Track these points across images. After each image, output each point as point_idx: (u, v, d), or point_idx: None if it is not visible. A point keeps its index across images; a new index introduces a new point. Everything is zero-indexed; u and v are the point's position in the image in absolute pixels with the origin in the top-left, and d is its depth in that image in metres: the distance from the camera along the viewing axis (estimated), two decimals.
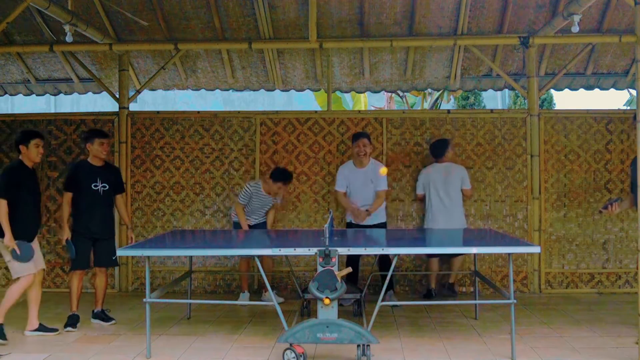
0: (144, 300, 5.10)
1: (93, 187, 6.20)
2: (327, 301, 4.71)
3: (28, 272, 5.62)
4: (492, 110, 8.17)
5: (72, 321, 6.03)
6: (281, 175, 7.06)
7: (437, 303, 6.94)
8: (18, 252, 5.46)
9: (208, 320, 6.35)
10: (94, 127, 7.81)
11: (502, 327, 5.95)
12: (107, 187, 6.31)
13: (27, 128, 6.54)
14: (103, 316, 6.30)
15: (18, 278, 5.61)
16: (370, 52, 8.36)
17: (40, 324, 5.78)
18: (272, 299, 5.00)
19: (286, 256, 6.82)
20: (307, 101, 17.78)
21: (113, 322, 6.27)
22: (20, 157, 5.71)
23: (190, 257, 6.86)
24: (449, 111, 8.13)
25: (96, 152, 6.25)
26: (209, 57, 8.59)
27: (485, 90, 9.36)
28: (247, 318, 6.47)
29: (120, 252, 5.78)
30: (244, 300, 7.11)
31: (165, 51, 8.31)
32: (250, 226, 7.13)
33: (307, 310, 6.49)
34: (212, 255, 7.86)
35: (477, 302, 6.42)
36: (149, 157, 8.06)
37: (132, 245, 6.01)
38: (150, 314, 5.11)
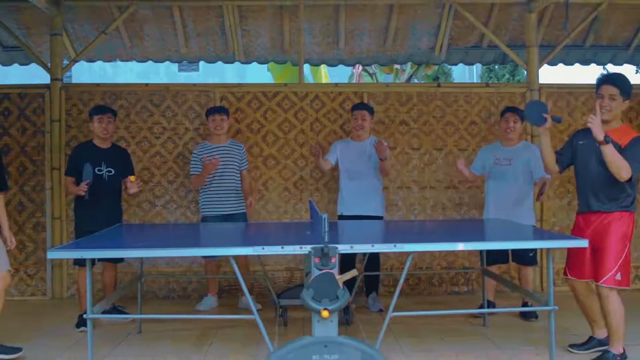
0: (85, 316, 3.95)
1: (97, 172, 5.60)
2: (325, 313, 3.66)
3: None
4: (487, 84, 7.43)
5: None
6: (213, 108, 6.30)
7: (444, 313, 6.03)
8: None
9: (163, 335, 5.18)
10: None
11: (514, 333, 5.19)
12: (113, 172, 5.71)
13: None
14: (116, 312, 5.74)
15: None
16: (347, 16, 7.31)
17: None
18: (250, 306, 3.95)
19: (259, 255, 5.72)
20: (261, 79, 16.37)
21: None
22: None
23: (141, 258, 5.61)
24: (439, 85, 7.21)
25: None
26: (158, 21, 7.36)
27: (472, 64, 8.47)
28: (212, 330, 5.31)
29: (52, 255, 4.53)
30: (208, 305, 6.22)
31: (106, 12, 7.10)
32: (223, 216, 6.11)
33: (284, 319, 5.43)
34: (173, 256, 6.62)
35: (508, 309, 5.78)
36: (88, 139, 6.78)
37: (68, 244, 4.82)
38: (92, 330, 3.95)
